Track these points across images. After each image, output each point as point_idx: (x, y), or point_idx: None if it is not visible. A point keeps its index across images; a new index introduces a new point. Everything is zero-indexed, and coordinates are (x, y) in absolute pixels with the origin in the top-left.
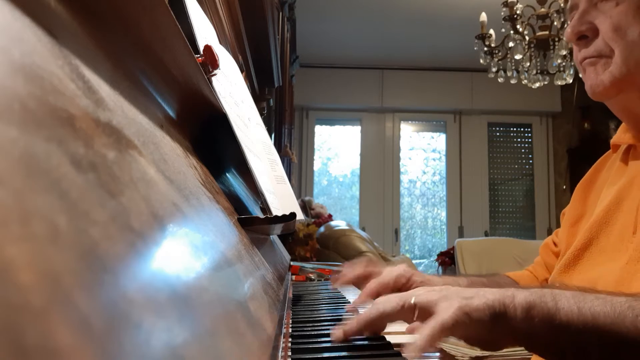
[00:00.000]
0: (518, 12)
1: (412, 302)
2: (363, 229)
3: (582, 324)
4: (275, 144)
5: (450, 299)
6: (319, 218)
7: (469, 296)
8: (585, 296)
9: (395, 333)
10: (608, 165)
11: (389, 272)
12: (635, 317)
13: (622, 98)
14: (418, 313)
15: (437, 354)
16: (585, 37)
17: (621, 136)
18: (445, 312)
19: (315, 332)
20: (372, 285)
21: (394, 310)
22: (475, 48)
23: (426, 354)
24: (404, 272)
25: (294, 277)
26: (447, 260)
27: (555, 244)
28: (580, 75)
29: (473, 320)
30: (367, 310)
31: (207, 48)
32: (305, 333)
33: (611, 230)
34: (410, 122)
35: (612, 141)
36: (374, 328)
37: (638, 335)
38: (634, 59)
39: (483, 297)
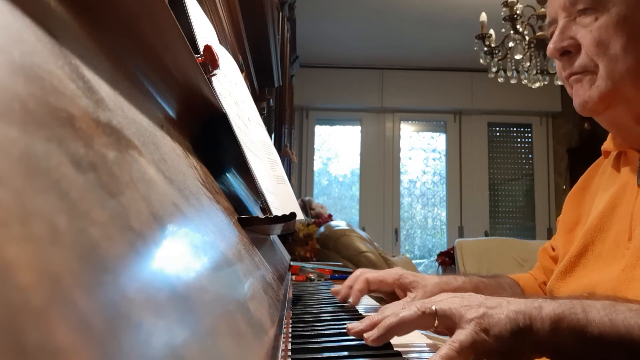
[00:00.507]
0: (518, 12)
1: (433, 309)
2: (363, 229)
3: (615, 336)
4: (275, 144)
5: (472, 308)
6: (319, 218)
7: (491, 306)
8: (616, 307)
9: None
10: (601, 171)
11: (384, 273)
12: None
13: (610, 113)
14: (439, 321)
15: None
16: (568, 52)
17: (611, 143)
18: (462, 331)
19: (315, 332)
20: (371, 275)
21: (414, 317)
22: (475, 48)
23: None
24: (395, 271)
25: (294, 277)
26: (447, 260)
27: (553, 248)
28: (568, 91)
29: (492, 336)
30: (387, 318)
31: (207, 48)
32: (305, 333)
33: (606, 237)
34: (410, 122)
35: (603, 147)
36: (394, 335)
37: None
38: (619, 73)
39: (506, 308)
